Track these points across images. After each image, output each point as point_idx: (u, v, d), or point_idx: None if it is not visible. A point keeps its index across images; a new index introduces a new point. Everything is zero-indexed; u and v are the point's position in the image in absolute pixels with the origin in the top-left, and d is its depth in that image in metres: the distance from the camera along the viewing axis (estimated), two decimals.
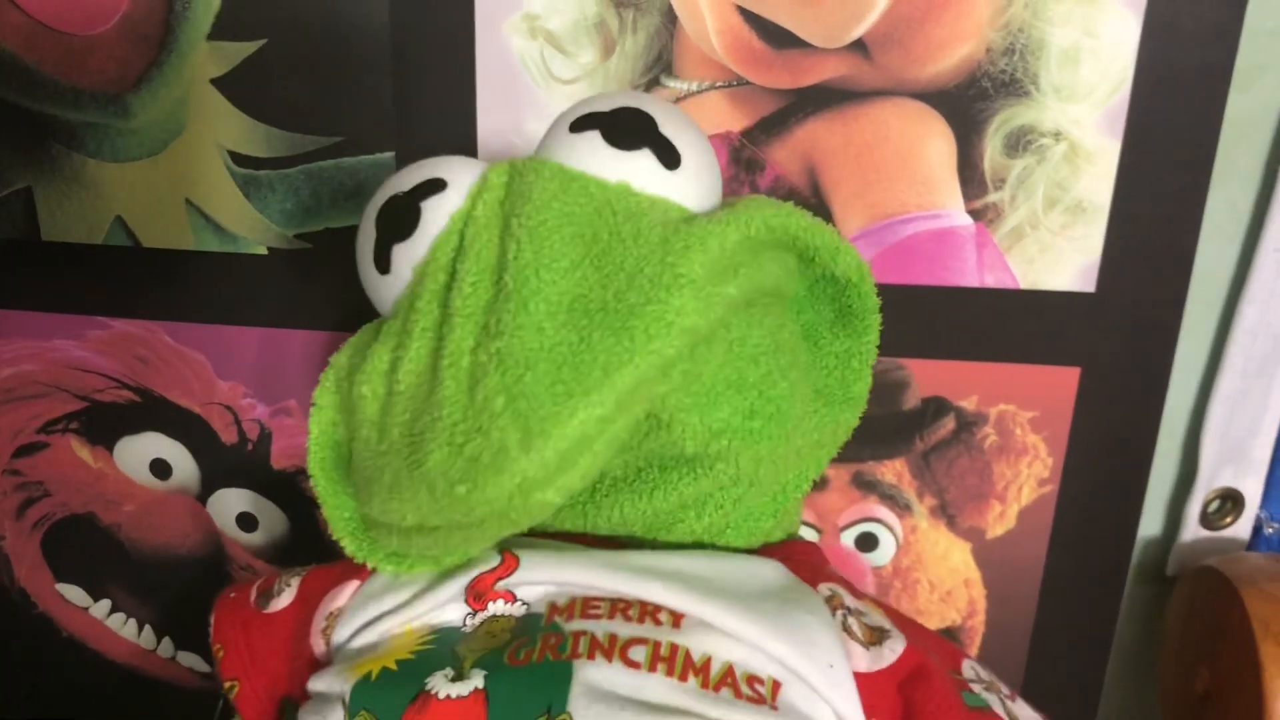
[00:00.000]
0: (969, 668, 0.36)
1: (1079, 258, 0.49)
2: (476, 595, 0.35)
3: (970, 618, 0.55)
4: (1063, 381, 0.51)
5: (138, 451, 0.58)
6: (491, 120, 0.49)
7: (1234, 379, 0.52)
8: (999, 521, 0.54)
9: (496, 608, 0.34)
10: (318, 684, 0.34)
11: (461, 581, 0.35)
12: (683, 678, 0.32)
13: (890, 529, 0.55)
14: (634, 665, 0.32)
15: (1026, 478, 0.53)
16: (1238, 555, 0.53)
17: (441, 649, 0.33)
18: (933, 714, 0.33)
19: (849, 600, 0.36)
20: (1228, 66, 0.46)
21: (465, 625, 0.34)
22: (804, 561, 0.38)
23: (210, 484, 0.58)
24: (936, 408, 0.52)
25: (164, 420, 0.57)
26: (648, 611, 0.33)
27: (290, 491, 0.57)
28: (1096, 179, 0.48)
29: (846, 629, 0.35)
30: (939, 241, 0.49)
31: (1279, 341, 0.51)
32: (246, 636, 0.38)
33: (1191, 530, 0.55)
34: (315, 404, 0.38)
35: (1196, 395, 0.54)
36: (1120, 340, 0.50)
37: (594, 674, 0.31)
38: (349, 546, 0.36)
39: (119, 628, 0.62)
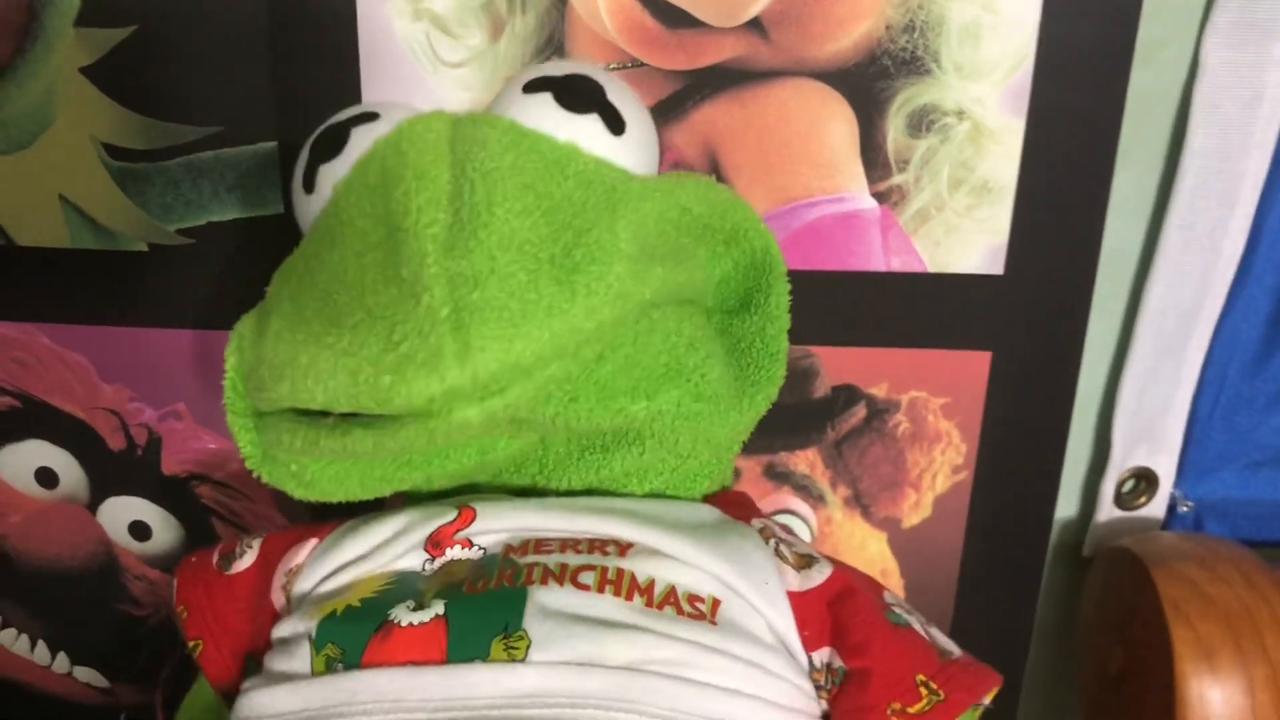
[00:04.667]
0: (889, 595, 0.39)
1: (986, 239, 0.48)
2: (435, 544, 0.37)
3: None
4: (974, 366, 0.51)
5: (21, 460, 0.55)
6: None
7: (1144, 358, 0.51)
8: (914, 510, 0.53)
9: (454, 553, 0.37)
10: (282, 630, 0.36)
11: (421, 533, 0.37)
12: (629, 598, 0.34)
13: (804, 520, 0.54)
14: (584, 588, 0.34)
15: (940, 465, 0.52)
16: (1151, 535, 0.52)
17: (402, 587, 0.35)
18: (859, 628, 0.36)
19: (779, 532, 0.39)
20: (1130, 41, 0.45)
21: (424, 570, 0.36)
22: (737, 504, 0.41)
23: (99, 492, 0.55)
24: (847, 396, 0.51)
25: (47, 426, 0.54)
26: (596, 545, 0.36)
27: (183, 498, 0.55)
28: (1001, 159, 0.47)
29: (779, 554, 0.38)
30: (843, 225, 0.48)
31: (1187, 319, 0.50)
32: (210, 598, 0.40)
33: (1106, 511, 0.55)
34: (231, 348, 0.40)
35: (1108, 375, 0.53)
36: (1030, 322, 0.50)
37: (546, 597, 0.33)
38: (260, 468, 0.39)
39: (10, 644, 0.59)
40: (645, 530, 0.36)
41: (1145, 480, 0.54)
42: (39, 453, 0.55)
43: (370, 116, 0.39)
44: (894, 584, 0.55)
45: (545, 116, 0.38)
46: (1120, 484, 0.54)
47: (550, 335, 0.33)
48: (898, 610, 0.38)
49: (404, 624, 0.33)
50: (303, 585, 0.38)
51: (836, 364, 0.51)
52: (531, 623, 0.33)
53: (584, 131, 0.38)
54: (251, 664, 0.39)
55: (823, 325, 0.50)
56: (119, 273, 0.51)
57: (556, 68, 0.40)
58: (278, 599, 0.39)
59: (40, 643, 0.59)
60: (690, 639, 0.33)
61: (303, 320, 0.36)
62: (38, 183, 0.49)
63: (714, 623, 0.34)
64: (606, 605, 0.34)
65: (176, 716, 0.44)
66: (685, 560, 0.36)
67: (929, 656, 0.36)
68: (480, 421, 0.34)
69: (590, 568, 0.35)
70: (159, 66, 0.47)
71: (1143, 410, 0.52)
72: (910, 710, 0.35)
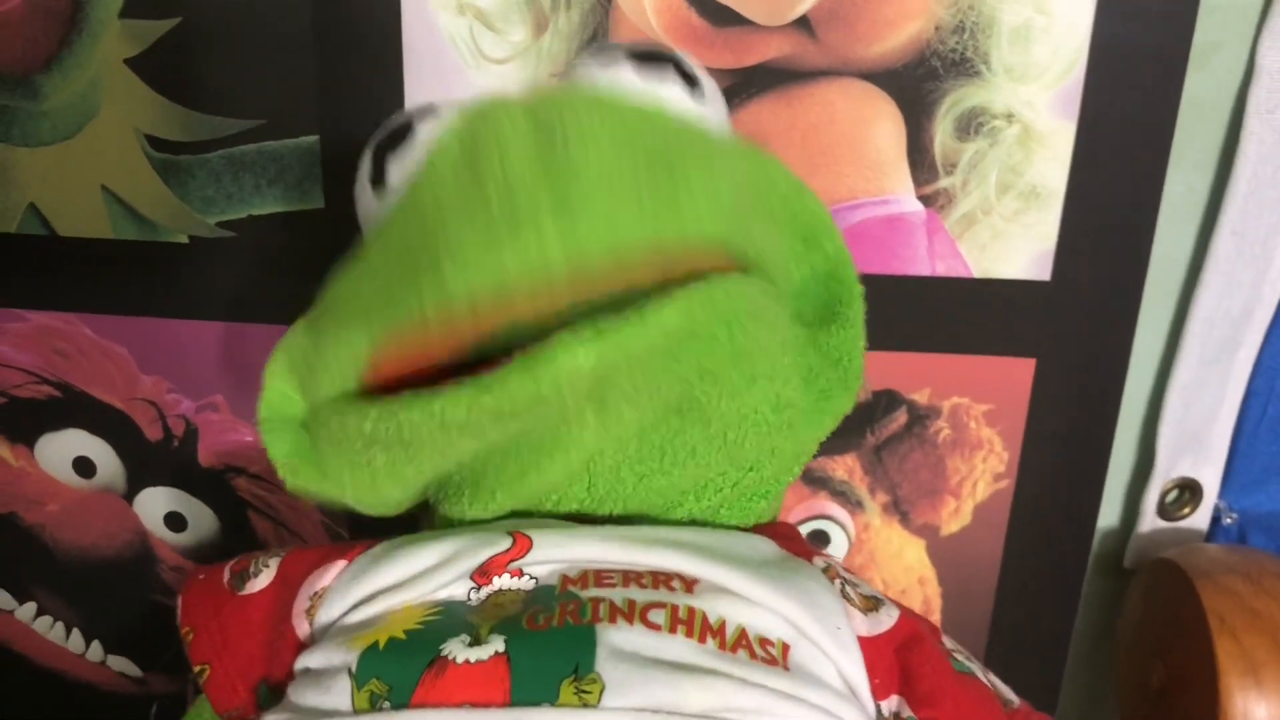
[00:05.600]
0: (948, 641, 0.37)
1: (1033, 245, 0.47)
2: (483, 572, 0.34)
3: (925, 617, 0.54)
4: (1018, 373, 0.50)
5: (60, 449, 0.55)
6: (419, 101, 0.46)
7: (1191, 367, 0.51)
8: (954, 518, 0.53)
9: (503, 582, 0.34)
10: (311, 660, 0.33)
11: (470, 562, 0.34)
12: (702, 639, 0.32)
13: (842, 527, 0.53)
14: (655, 627, 0.32)
15: (981, 472, 0.52)
16: (1194, 547, 0.52)
17: (451, 619, 0.32)
18: (928, 676, 0.34)
19: (843, 572, 0.37)
20: (1185, 44, 0.44)
21: (470, 599, 0.34)
22: (791, 538, 0.39)
23: (136, 482, 0.55)
24: (888, 401, 0.51)
25: (86, 416, 0.54)
26: (660, 579, 0.34)
27: (219, 490, 0.55)
28: (1050, 163, 0.46)
29: (845, 596, 0.36)
30: (888, 228, 0.47)
31: (1236, 327, 0.50)
32: (219, 619, 0.37)
33: (1149, 521, 0.54)
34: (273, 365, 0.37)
35: (1154, 384, 0.52)
36: (1076, 329, 0.49)
37: (617, 636, 0.31)
38: (296, 476, 0.37)
39: (46, 631, 0.60)
40: (710, 565, 0.34)
41: (1189, 491, 0.53)
42: (77, 442, 0.55)
43: (432, 110, 0.38)
44: (932, 592, 0.54)
45: (622, 79, 0.36)
46: (1164, 494, 0.53)
47: (654, 230, 0.31)
48: (960, 657, 0.36)
49: (460, 660, 0.30)
50: (330, 611, 0.35)
51: (878, 368, 0.50)
52: (604, 665, 0.30)
53: (662, 88, 0.36)
54: (265, 693, 0.36)
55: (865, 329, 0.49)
56: (160, 264, 0.51)
57: (620, 45, 0.38)
58: (300, 625, 0.36)
59: (75, 631, 0.59)
60: (766, 685, 0.31)
61: (387, 257, 0.34)
62: (81, 174, 0.49)
63: (786, 668, 0.32)
64: (680, 647, 0.31)
65: None
66: (754, 600, 0.33)
67: (995, 707, 0.36)
68: (591, 369, 0.30)
69: (660, 605, 0.32)
70: (202, 59, 0.47)
71: (1188, 420, 0.52)
72: None
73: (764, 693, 0.31)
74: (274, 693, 0.35)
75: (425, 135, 0.36)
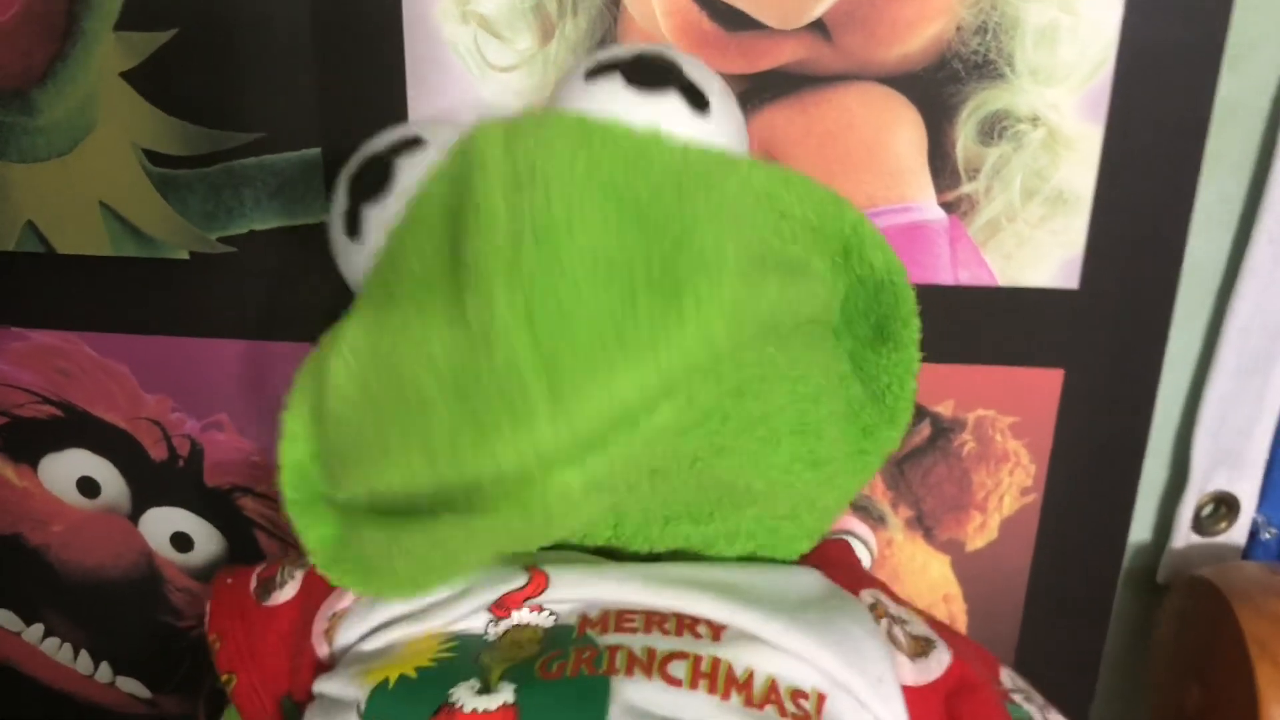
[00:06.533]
0: (1007, 677, 0.35)
1: (1060, 252, 0.46)
2: (501, 606, 0.33)
3: None
4: (1045, 384, 0.48)
5: (63, 469, 0.54)
6: (423, 112, 0.45)
7: (1227, 377, 0.49)
8: (979, 533, 0.51)
9: (522, 616, 0.33)
10: (326, 686, 0.33)
11: (485, 597, 0.33)
12: (725, 695, 0.30)
13: (864, 542, 0.51)
14: (675, 682, 0.30)
15: (1008, 486, 0.50)
16: (1232, 565, 0.50)
17: (464, 657, 0.32)
18: None
19: (892, 609, 0.35)
20: (1219, 43, 0.42)
21: (488, 633, 0.33)
22: (840, 564, 0.37)
23: (141, 503, 0.54)
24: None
25: (89, 436, 0.53)
26: (685, 624, 0.32)
27: (225, 510, 0.54)
28: (1078, 167, 0.44)
29: (892, 638, 0.34)
30: (910, 236, 0.46)
31: (1274, 337, 0.48)
32: (246, 628, 0.37)
33: (1183, 536, 0.52)
34: (285, 433, 0.34)
35: (1187, 394, 0.51)
36: (1106, 339, 0.47)
37: (633, 692, 0.30)
38: (330, 569, 0.34)
39: (54, 653, 0.59)
40: (740, 610, 0.32)
41: (1226, 505, 0.51)
42: (81, 462, 0.54)
43: (414, 142, 0.34)
44: (957, 610, 0.52)
45: (616, 101, 0.32)
46: (1199, 508, 0.51)
47: (657, 369, 0.27)
48: (1017, 699, 0.34)
49: (467, 710, 0.30)
50: (347, 634, 0.34)
51: None
52: None
53: (662, 112, 0.32)
54: (290, 708, 0.36)
55: None
56: (160, 281, 0.50)
57: (619, 50, 0.35)
58: (320, 646, 0.35)
59: (83, 652, 0.59)
60: None
61: (367, 396, 0.31)
62: (79, 189, 0.48)
63: None
64: (701, 705, 0.30)
65: None
66: (787, 649, 0.31)
67: None
68: (580, 489, 0.27)
69: (681, 655, 0.31)
70: (200, 71, 0.46)
71: (1224, 431, 0.50)
72: None
73: None
74: (298, 708, 0.35)
75: (406, 184, 0.33)
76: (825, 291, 0.35)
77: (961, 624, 0.53)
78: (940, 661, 0.33)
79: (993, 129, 0.44)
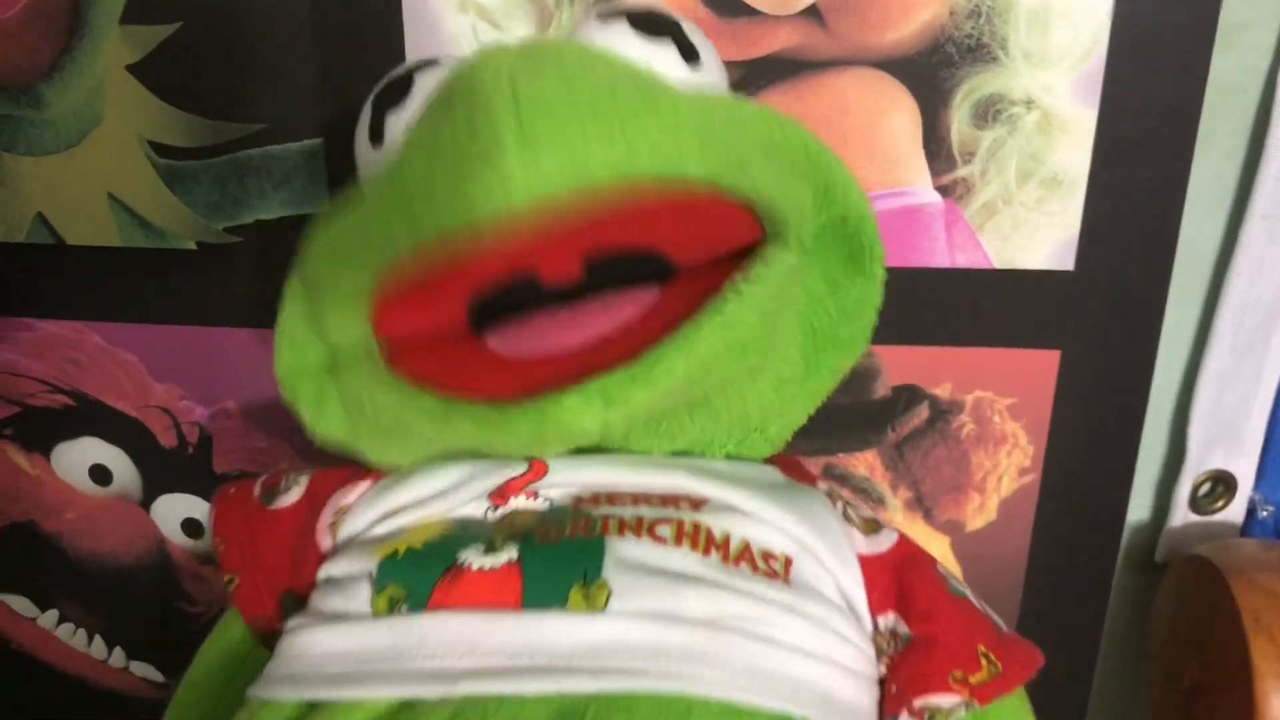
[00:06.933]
0: (943, 567, 0.39)
1: (1056, 234, 0.46)
2: (499, 494, 0.36)
3: None
4: (1042, 365, 0.48)
5: (75, 457, 0.55)
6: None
7: (1223, 356, 0.49)
8: (978, 514, 0.51)
9: (518, 503, 0.36)
10: (334, 569, 0.35)
11: (486, 484, 0.36)
12: (705, 552, 0.33)
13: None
14: (661, 540, 0.33)
15: (1006, 467, 0.50)
16: (1229, 542, 0.50)
17: (467, 533, 0.34)
18: (925, 596, 0.36)
19: (845, 495, 0.39)
20: (1211, 25, 0.43)
21: (486, 517, 0.35)
22: (795, 467, 0.41)
23: (152, 490, 0.55)
24: (909, 396, 0.49)
25: (100, 425, 0.54)
26: (669, 500, 0.35)
27: None
28: (1072, 150, 0.45)
29: (847, 518, 0.38)
30: (906, 220, 0.46)
31: (1269, 315, 0.48)
32: (250, 532, 0.39)
33: (1181, 515, 0.52)
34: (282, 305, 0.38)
35: (1184, 374, 0.51)
36: (1102, 320, 0.47)
37: (624, 548, 0.33)
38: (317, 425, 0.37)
39: (68, 638, 0.60)
40: (719, 487, 0.36)
41: (1223, 484, 0.52)
42: (93, 450, 0.55)
43: (432, 63, 0.37)
44: None
45: (618, 41, 0.35)
46: (1196, 487, 0.52)
47: (625, 156, 0.29)
48: (954, 582, 0.38)
49: (475, 568, 0.32)
50: (353, 526, 0.37)
51: (898, 363, 0.49)
52: (611, 573, 0.32)
53: (658, 56, 0.35)
54: (289, 603, 0.38)
55: (884, 323, 0.47)
56: (168, 271, 0.50)
57: (628, 3, 0.37)
58: (324, 539, 0.37)
59: (97, 637, 0.59)
60: (766, 597, 0.33)
61: (358, 215, 0.34)
62: (86, 182, 0.49)
63: (788, 581, 0.34)
64: (683, 559, 0.33)
65: (196, 659, 0.42)
66: (760, 517, 0.35)
67: (988, 629, 0.37)
68: (598, 428, 0.31)
69: (666, 521, 0.34)
70: (204, 63, 0.46)
71: (1221, 410, 0.50)
72: (971, 680, 0.35)
73: (763, 604, 0.32)
74: (298, 603, 0.37)
75: (424, 89, 0.35)
76: (802, 204, 0.37)
77: None
78: (890, 537, 0.38)
79: (987, 112, 0.45)
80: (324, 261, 0.36)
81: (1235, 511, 0.52)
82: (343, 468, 0.39)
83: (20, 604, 0.59)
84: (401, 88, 0.36)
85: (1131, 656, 0.56)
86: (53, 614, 0.59)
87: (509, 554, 0.33)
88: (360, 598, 0.33)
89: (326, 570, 0.36)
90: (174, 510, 0.56)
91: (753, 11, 0.44)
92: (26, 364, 0.53)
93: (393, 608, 0.33)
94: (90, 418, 0.54)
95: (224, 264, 0.50)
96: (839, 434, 0.50)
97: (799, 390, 0.40)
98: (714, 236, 0.35)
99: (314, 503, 0.39)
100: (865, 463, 0.51)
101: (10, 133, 0.49)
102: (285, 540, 0.39)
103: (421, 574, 0.33)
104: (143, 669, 0.60)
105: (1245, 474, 0.51)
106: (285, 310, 0.38)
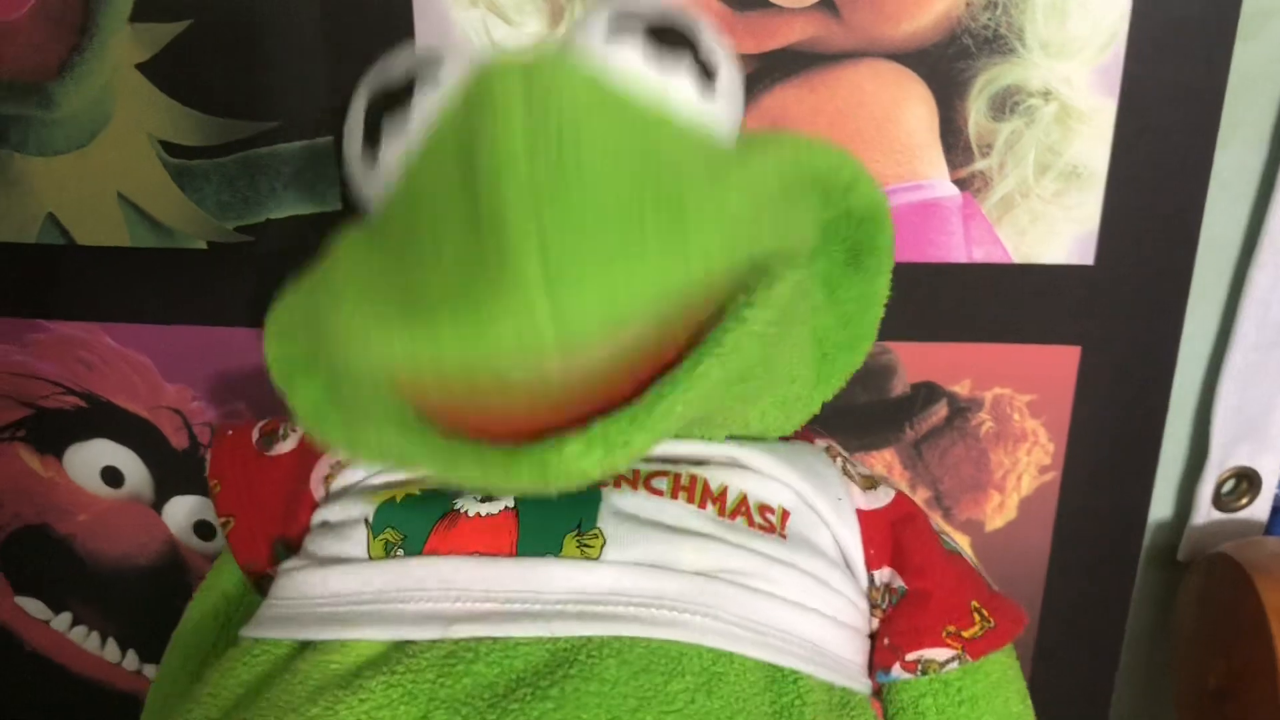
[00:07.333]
0: (936, 524, 0.40)
1: (1075, 228, 0.45)
2: None
3: None
4: (1062, 361, 0.48)
5: (87, 459, 0.55)
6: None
7: (1246, 351, 0.48)
8: (998, 512, 0.51)
9: None
10: (329, 514, 0.35)
11: None
12: (701, 505, 0.34)
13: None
14: (657, 493, 0.34)
15: (1026, 465, 0.50)
16: (1253, 540, 0.49)
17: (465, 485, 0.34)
18: (920, 551, 0.37)
19: (843, 452, 0.40)
20: (1233, 13, 0.42)
21: None
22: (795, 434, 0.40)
23: (164, 491, 0.55)
24: (927, 394, 0.49)
25: (112, 426, 0.54)
26: (669, 459, 0.36)
27: None
28: (1091, 141, 0.44)
29: (846, 473, 0.38)
30: (922, 214, 0.46)
31: None
32: (246, 475, 0.40)
33: (1204, 513, 0.52)
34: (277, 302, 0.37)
35: (1206, 369, 0.50)
36: (1122, 315, 0.47)
37: (620, 499, 0.33)
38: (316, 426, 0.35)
39: (82, 641, 0.59)
40: (721, 446, 0.36)
41: (1247, 481, 0.51)
42: (105, 452, 0.55)
43: (431, 61, 0.33)
44: None
45: (630, 61, 0.32)
46: (1219, 485, 0.51)
47: (658, 279, 0.28)
48: (947, 539, 0.39)
49: (471, 514, 0.33)
50: (348, 479, 0.37)
51: (916, 360, 0.48)
52: (606, 522, 0.32)
53: (673, 84, 0.32)
54: (280, 550, 0.39)
55: (901, 320, 0.47)
56: (179, 271, 0.50)
57: (644, 4, 0.34)
58: (317, 489, 0.38)
59: (110, 640, 0.59)
60: (761, 551, 0.33)
61: (374, 295, 0.31)
62: (97, 181, 0.49)
63: (783, 536, 0.34)
64: (679, 511, 0.33)
65: (191, 603, 0.43)
66: (759, 470, 0.35)
67: (980, 584, 0.38)
68: (600, 473, 0.29)
69: (663, 474, 0.34)
70: (213, 62, 0.46)
71: (1244, 407, 0.49)
72: (964, 634, 0.36)
73: (758, 557, 0.33)
74: (289, 550, 0.38)
75: (424, 111, 0.32)
76: (810, 219, 0.36)
77: None
78: (887, 494, 0.38)
79: (1004, 104, 0.44)
80: (338, 302, 0.33)
81: (1260, 509, 0.51)
82: None
83: (34, 606, 0.59)
84: (399, 98, 0.33)
85: (1154, 656, 0.55)
86: (66, 616, 0.59)
87: (505, 501, 0.33)
88: (356, 541, 0.34)
89: (321, 515, 0.36)
90: (186, 512, 0.55)
91: (768, 4, 0.43)
92: (38, 365, 0.53)
93: (389, 551, 0.33)
94: (102, 419, 0.54)
95: (235, 263, 0.50)
96: (857, 432, 0.49)
97: (810, 396, 0.39)
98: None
99: (309, 452, 0.39)
100: (883, 461, 0.50)
101: (20, 132, 0.48)
102: (280, 486, 0.39)
103: (418, 519, 0.33)
104: (156, 672, 0.60)
105: (1270, 471, 0.51)
106: (274, 316, 0.36)
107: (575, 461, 0.29)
